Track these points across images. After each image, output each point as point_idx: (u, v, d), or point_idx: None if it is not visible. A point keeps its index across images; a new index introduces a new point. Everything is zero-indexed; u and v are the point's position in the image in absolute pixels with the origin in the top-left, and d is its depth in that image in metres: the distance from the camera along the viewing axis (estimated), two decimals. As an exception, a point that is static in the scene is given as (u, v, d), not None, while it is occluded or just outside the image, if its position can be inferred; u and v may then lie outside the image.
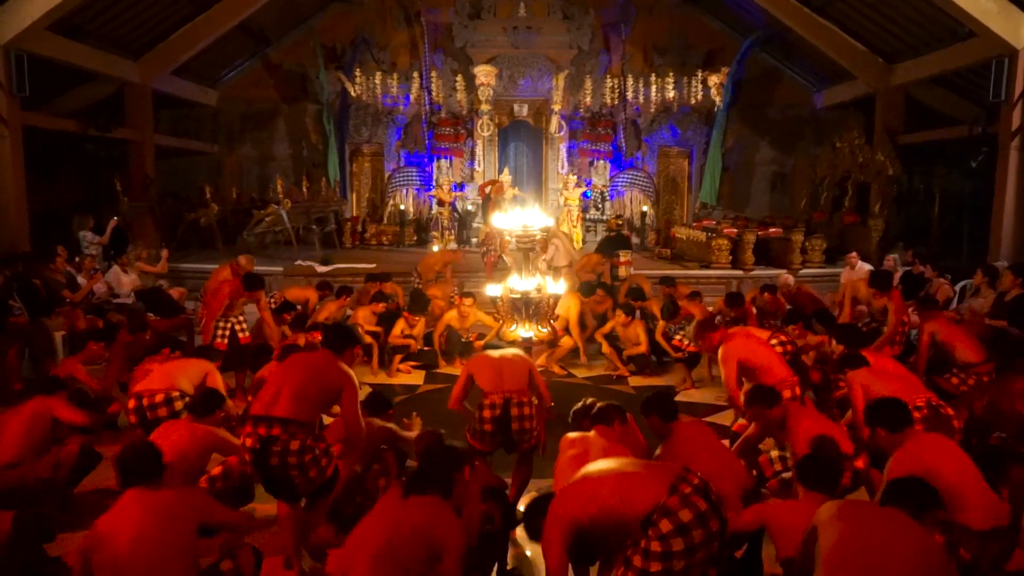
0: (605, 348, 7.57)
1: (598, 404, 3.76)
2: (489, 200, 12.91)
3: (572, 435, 3.64)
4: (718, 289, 10.41)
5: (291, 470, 3.41)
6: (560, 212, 13.30)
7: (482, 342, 8.06)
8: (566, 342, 7.53)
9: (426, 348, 7.83)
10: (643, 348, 7.46)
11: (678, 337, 7.24)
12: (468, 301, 7.94)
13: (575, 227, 13.10)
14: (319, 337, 6.73)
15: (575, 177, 13.59)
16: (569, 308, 7.53)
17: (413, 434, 4.32)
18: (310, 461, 3.42)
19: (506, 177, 12.99)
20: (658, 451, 3.71)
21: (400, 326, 7.74)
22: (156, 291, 9.18)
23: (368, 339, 7.44)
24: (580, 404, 4.21)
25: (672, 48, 14.86)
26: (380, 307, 7.93)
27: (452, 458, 3.24)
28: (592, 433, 3.61)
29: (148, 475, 2.96)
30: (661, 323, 7.44)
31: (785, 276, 9.03)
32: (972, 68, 10.94)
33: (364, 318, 7.76)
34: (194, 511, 2.95)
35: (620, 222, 11.77)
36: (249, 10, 12.52)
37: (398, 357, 7.56)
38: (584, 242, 13.63)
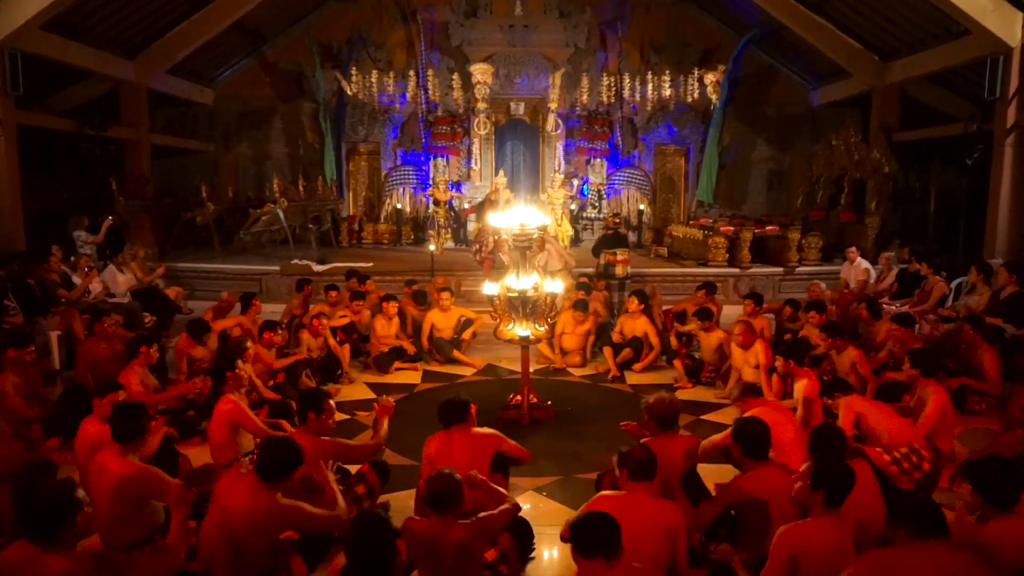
0: (610, 356, 7.62)
1: (637, 455, 3.37)
2: (486, 200, 12.90)
3: (608, 495, 3.41)
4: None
5: None
6: (547, 213, 13.28)
7: (469, 332, 8.08)
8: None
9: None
10: (655, 346, 7.56)
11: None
12: (446, 295, 8.00)
13: (560, 226, 13.06)
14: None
15: (561, 176, 13.55)
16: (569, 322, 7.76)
17: (324, 512, 3.48)
18: None
19: (501, 179, 12.96)
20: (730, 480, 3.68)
21: (378, 323, 7.75)
22: (152, 290, 9.17)
23: (335, 345, 7.40)
24: (664, 404, 4.10)
25: (669, 46, 14.86)
26: (357, 306, 7.96)
27: (387, 538, 2.74)
28: (623, 493, 3.34)
29: (48, 532, 2.65)
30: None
31: (817, 283, 8.90)
32: (967, 66, 10.96)
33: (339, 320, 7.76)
34: None
35: (617, 220, 11.76)
36: (245, 8, 12.46)
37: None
38: (580, 240, 13.64)
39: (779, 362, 5.44)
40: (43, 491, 2.75)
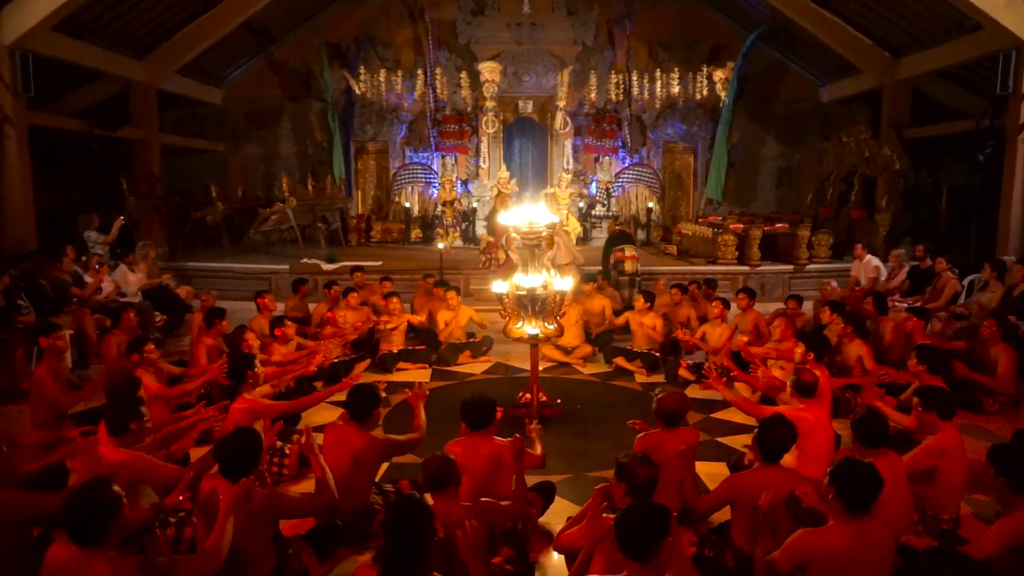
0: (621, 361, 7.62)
1: (640, 474, 3.15)
2: (495, 208, 12.89)
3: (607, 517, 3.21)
4: (724, 285, 10.39)
5: None
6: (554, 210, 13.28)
7: (481, 334, 8.08)
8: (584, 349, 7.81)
9: (420, 347, 7.85)
10: (658, 335, 7.57)
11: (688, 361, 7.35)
12: (451, 294, 8.02)
13: (566, 224, 13.03)
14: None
15: (568, 176, 13.54)
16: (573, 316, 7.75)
17: (305, 497, 3.65)
18: None
19: (503, 174, 12.98)
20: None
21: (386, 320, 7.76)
22: (163, 289, 9.21)
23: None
24: (673, 402, 4.05)
25: (677, 43, 14.81)
26: (354, 299, 7.98)
27: (425, 518, 2.69)
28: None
29: (91, 535, 2.63)
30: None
31: (829, 282, 8.87)
32: (979, 61, 10.87)
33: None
34: None
35: (619, 224, 11.72)
36: (254, 8, 12.52)
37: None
38: (590, 239, 13.63)
39: (800, 349, 5.41)
40: (81, 491, 2.72)
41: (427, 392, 4.59)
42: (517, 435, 3.78)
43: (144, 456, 3.73)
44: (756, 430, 3.62)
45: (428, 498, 3.19)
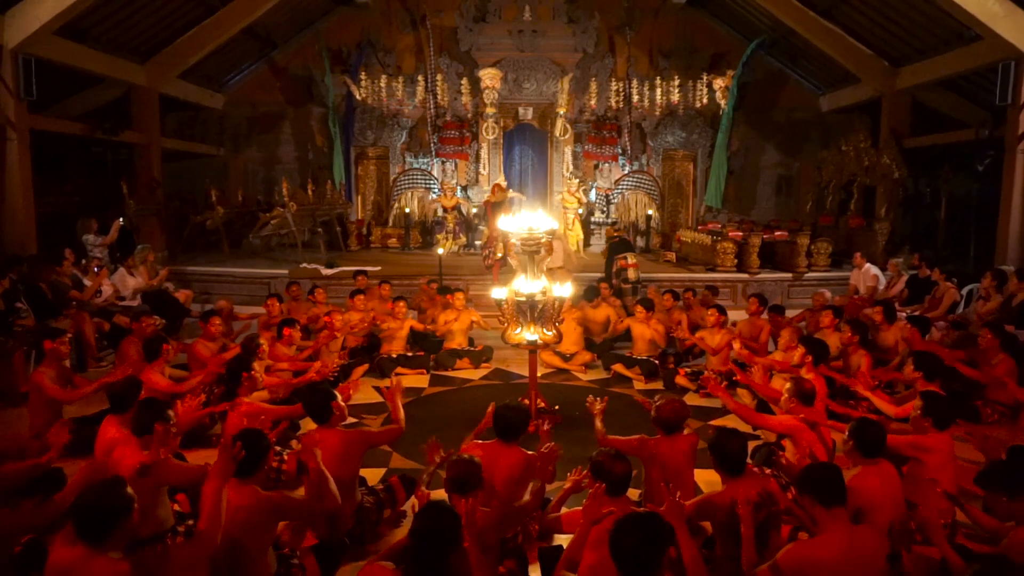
0: (620, 368, 7.62)
1: (616, 471, 3.36)
2: (490, 205, 12.91)
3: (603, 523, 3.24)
4: (724, 292, 10.40)
5: None
6: (559, 214, 13.32)
7: (481, 344, 8.08)
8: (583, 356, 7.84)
9: (418, 353, 7.86)
10: (661, 340, 7.62)
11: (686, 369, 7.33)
12: (459, 295, 8.03)
13: (571, 230, 13.04)
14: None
15: (576, 181, 13.56)
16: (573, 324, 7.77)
17: (309, 498, 3.73)
18: None
19: (500, 181, 13.00)
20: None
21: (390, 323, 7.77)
22: (162, 293, 9.21)
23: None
24: (671, 409, 4.05)
25: (677, 51, 14.86)
26: (361, 302, 7.98)
27: (453, 526, 2.65)
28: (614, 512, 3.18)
29: (97, 535, 2.64)
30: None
31: (822, 291, 8.74)
32: (979, 71, 10.91)
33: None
34: None
35: (618, 230, 11.74)
36: (255, 14, 12.55)
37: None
38: (589, 244, 13.63)
39: (799, 351, 5.40)
40: (94, 491, 2.71)
41: (403, 386, 4.62)
42: (554, 444, 3.86)
43: (170, 459, 3.72)
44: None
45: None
